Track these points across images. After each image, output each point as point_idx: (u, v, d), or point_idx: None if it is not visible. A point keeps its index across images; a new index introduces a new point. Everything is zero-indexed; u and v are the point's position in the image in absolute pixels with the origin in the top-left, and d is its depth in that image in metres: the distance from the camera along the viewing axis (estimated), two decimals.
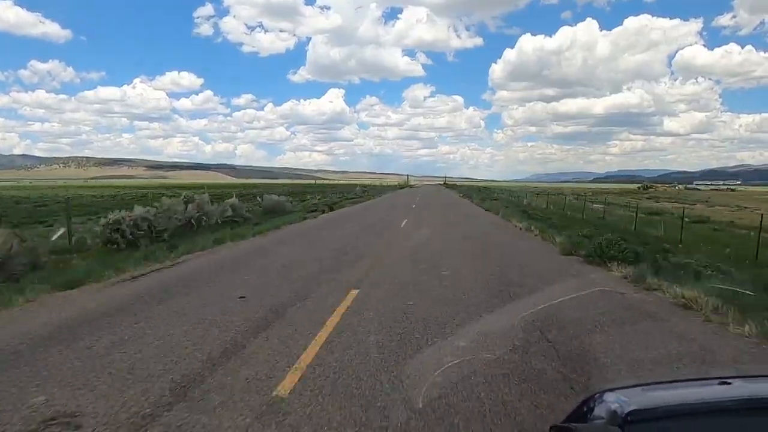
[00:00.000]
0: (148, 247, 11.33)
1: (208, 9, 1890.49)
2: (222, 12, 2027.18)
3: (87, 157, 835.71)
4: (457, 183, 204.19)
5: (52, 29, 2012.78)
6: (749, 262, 11.49)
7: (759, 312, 5.68)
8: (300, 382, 3.96)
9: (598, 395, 1.20)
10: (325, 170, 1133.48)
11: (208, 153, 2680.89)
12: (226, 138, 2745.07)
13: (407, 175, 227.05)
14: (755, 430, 1.09)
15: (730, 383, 1.21)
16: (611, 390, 1.21)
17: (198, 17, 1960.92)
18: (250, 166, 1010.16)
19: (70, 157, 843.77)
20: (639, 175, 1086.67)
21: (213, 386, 3.88)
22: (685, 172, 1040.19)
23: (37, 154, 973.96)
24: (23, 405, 3.54)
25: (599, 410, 1.14)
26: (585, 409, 1.19)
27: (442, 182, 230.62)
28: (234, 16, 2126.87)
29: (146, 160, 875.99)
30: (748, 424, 1.09)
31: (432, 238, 14.79)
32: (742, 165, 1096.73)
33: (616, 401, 1.13)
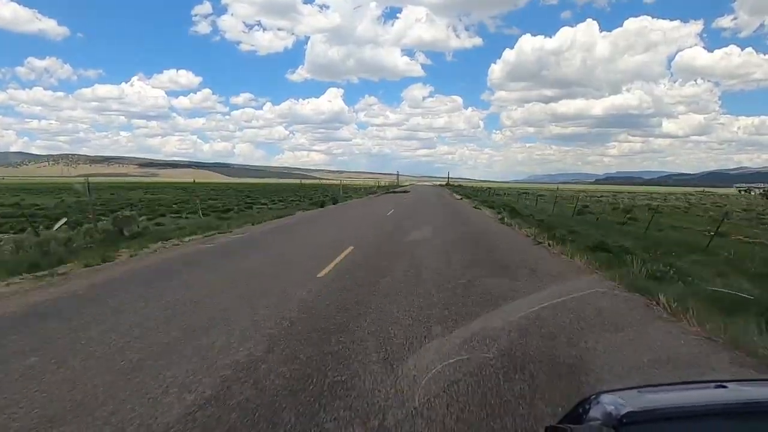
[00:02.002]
0: None
1: (206, 7, 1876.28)
2: (220, 10, 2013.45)
3: (78, 155, 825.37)
4: (462, 184, 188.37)
5: (49, 26, 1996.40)
6: None
7: None
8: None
9: (594, 397, 1.20)
10: (323, 170, 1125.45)
11: (206, 152, 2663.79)
12: (225, 137, 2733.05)
13: (397, 173, 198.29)
14: None
15: (726, 387, 1.22)
16: (607, 392, 1.21)
17: (196, 15, 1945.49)
18: (247, 166, 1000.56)
19: (60, 154, 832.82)
20: (638, 177, 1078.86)
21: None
22: (684, 174, 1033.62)
23: (34, 152, 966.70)
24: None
25: (595, 412, 1.14)
26: (581, 410, 1.18)
27: (442, 183, 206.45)
28: (232, 14, 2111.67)
29: (138, 158, 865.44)
30: (743, 428, 1.10)
31: None
32: (740, 167, 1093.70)
33: (611, 403, 1.13)
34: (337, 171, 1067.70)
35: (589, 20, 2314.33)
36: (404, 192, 70.07)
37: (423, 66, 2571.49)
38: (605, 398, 1.17)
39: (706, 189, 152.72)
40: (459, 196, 51.79)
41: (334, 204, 33.47)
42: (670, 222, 21.50)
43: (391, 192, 70.71)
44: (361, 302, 6.31)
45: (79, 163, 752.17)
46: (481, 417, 3.26)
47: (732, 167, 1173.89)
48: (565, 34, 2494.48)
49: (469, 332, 4.96)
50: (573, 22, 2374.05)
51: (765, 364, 4.45)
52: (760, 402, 1.16)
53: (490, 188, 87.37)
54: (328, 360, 4.27)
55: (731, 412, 1.11)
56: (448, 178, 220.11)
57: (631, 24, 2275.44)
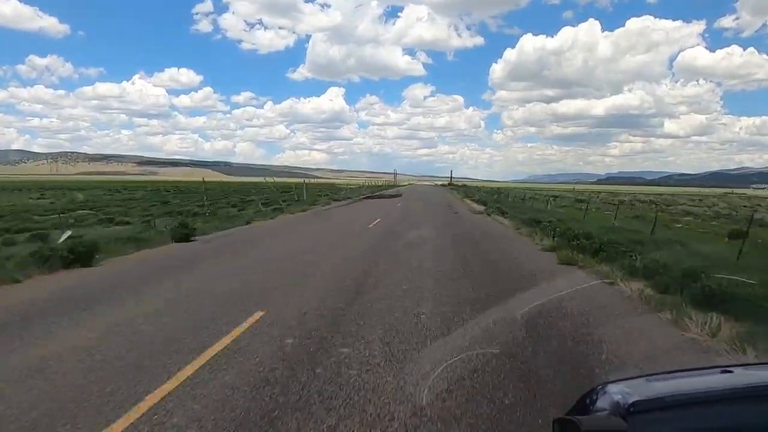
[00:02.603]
0: None
1: (207, 5, 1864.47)
2: (221, 8, 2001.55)
3: (77, 153, 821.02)
4: (467, 183, 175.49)
5: (50, 24, 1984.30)
6: None
7: None
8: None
9: (600, 387, 1.19)
10: (324, 169, 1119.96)
11: (207, 150, 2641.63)
12: (226, 135, 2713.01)
13: (395, 171, 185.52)
14: (757, 418, 1.09)
15: (732, 372, 1.22)
16: (614, 381, 1.20)
17: (197, 13, 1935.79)
18: (247, 165, 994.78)
19: (60, 152, 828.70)
20: (640, 177, 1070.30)
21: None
22: (686, 174, 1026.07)
23: (36, 150, 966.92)
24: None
25: (602, 402, 1.14)
26: (588, 401, 1.17)
27: (443, 183, 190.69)
28: (233, 13, 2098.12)
29: (138, 157, 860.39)
30: (750, 412, 1.10)
31: None
32: (742, 167, 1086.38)
33: (618, 392, 1.14)
34: (338, 170, 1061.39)
35: (591, 20, 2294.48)
36: (393, 197, 48.79)
37: (424, 65, 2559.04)
38: (612, 388, 1.16)
39: (735, 190, 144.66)
40: (481, 208, 30.86)
41: (177, 241, 13.48)
42: None
43: (376, 196, 51.26)
44: None
45: (77, 162, 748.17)
46: None
47: (733, 167, 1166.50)
48: (566, 33, 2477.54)
49: None
50: (575, 22, 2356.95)
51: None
52: (766, 386, 1.15)
53: (499, 189, 79.31)
54: None
55: (737, 397, 1.11)
56: (451, 177, 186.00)
57: (633, 24, 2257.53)
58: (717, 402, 1.10)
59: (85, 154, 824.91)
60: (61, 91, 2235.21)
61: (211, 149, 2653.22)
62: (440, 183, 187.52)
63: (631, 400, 1.07)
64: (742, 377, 1.22)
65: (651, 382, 1.22)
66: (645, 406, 1.06)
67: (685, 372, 1.33)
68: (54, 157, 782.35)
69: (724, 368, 1.23)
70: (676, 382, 1.26)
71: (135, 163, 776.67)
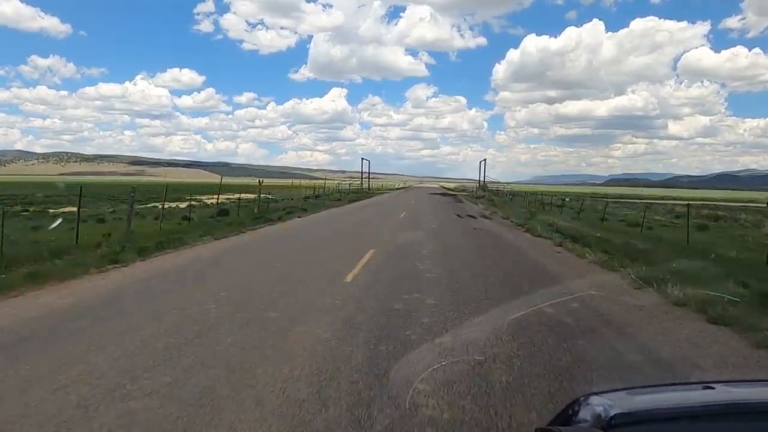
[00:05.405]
0: None
1: (208, 5, 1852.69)
2: (222, 8, 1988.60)
3: (69, 153, 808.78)
4: (513, 188, 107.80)
5: (51, 24, 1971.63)
6: None
7: None
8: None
9: (583, 399, 1.20)
10: (324, 169, 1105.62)
11: (210, 151, 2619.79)
12: (228, 136, 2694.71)
13: (366, 165, 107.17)
14: None
15: (713, 388, 1.23)
16: (596, 393, 1.22)
17: (198, 13, 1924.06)
18: (247, 165, 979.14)
19: (52, 152, 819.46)
20: (644, 179, 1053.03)
21: None
22: (690, 176, 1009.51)
23: (38, 150, 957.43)
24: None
25: (584, 413, 1.15)
26: (570, 412, 1.19)
27: (454, 186, 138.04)
28: (234, 13, 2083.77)
29: (131, 157, 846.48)
30: (730, 428, 1.11)
31: None
32: (747, 169, 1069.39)
33: (600, 405, 1.14)
34: (339, 171, 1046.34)
35: (595, 20, 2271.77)
36: None
37: (427, 66, 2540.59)
38: (594, 400, 1.17)
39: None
40: None
41: None
42: None
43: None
44: None
45: (69, 161, 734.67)
46: None
47: (737, 169, 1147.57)
48: (570, 34, 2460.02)
49: None
50: (578, 23, 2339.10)
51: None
52: (747, 403, 1.16)
53: (583, 198, 59.17)
54: None
55: (719, 413, 1.12)
56: (484, 177, 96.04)
57: (638, 24, 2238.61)
58: (697, 418, 1.10)
59: (80, 154, 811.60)
60: (63, 92, 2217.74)
61: (213, 150, 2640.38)
62: (451, 186, 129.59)
63: (612, 413, 1.06)
64: (724, 394, 1.21)
65: (633, 396, 1.21)
66: (625, 420, 1.05)
67: (667, 386, 1.34)
68: (45, 157, 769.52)
69: (706, 384, 1.23)
70: (658, 396, 1.26)
71: (127, 163, 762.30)
